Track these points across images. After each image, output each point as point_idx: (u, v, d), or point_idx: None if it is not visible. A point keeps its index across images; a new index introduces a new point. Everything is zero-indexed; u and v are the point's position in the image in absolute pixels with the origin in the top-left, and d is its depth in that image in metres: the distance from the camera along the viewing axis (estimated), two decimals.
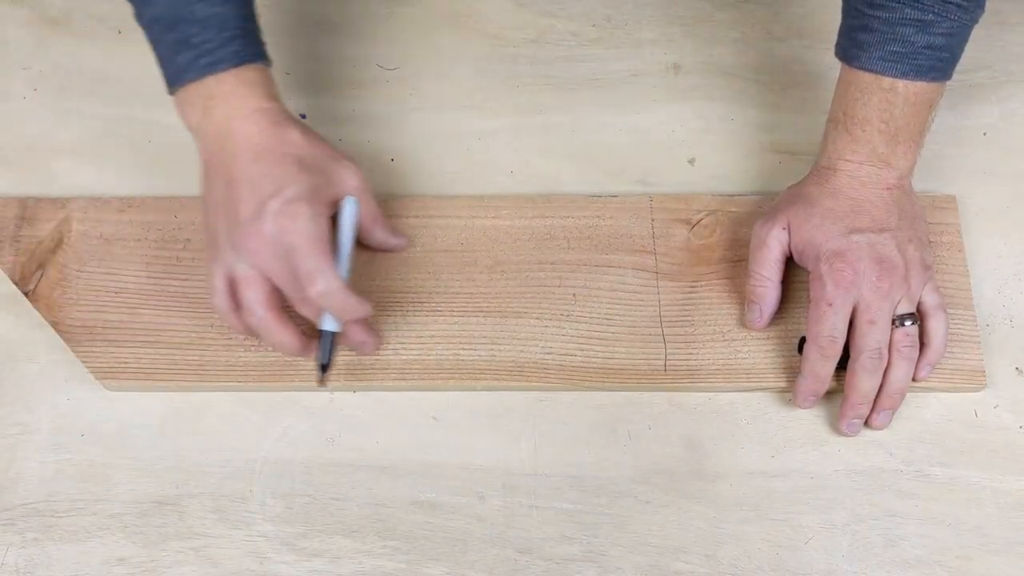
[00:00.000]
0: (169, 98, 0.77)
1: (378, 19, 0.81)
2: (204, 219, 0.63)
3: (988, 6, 0.81)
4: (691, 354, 0.66)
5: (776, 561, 0.61)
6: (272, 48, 0.74)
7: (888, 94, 0.62)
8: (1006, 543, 0.61)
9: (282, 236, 0.59)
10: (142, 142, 0.75)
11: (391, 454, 0.64)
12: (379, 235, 0.67)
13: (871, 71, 0.62)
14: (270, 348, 0.64)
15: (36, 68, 0.78)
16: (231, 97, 0.61)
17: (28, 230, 0.69)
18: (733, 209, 0.71)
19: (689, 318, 0.67)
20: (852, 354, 0.62)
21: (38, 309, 0.67)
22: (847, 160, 0.64)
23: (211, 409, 0.66)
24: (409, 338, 0.66)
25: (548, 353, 0.66)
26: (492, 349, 0.66)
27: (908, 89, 0.62)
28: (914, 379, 0.64)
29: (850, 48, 0.63)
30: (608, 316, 0.67)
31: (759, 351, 0.66)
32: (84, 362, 0.65)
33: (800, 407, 0.64)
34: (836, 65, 0.78)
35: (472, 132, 0.76)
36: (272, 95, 0.63)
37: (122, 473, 0.64)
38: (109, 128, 0.76)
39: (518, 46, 0.80)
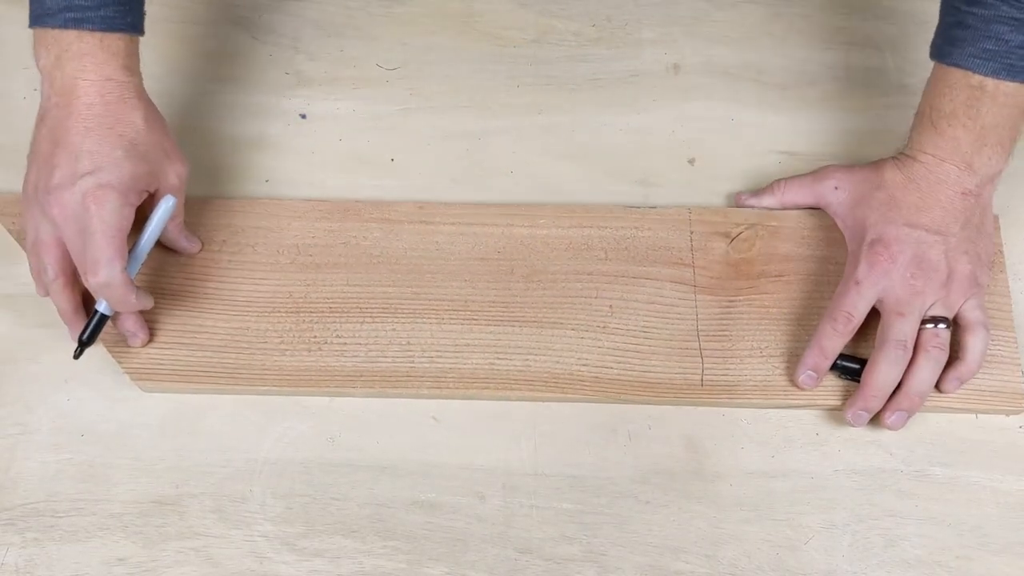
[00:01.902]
0: (169, 98, 0.77)
1: (378, 19, 0.81)
2: (28, 160, 0.64)
3: None
4: (728, 369, 0.65)
5: (776, 561, 0.61)
6: (272, 48, 0.74)
7: (976, 91, 0.61)
8: (1006, 543, 0.61)
9: (83, 217, 0.59)
10: None
11: (391, 454, 0.64)
12: (173, 232, 0.67)
13: (961, 67, 0.61)
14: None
15: (36, 68, 0.78)
16: (86, 58, 0.61)
17: None
18: (773, 223, 0.70)
19: (727, 333, 0.66)
20: (876, 344, 0.62)
21: None
22: (929, 154, 0.63)
23: (211, 409, 0.66)
24: (445, 346, 0.66)
25: (584, 365, 0.65)
26: (527, 359, 0.65)
27: (998, 89, 0.60)
28: (940, 389, 0.63)
29: (943, 45, 0.62)
30: (645, 329, 0.66)
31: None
32: (120, 363, 0.65)
33: (799, 383, 0.64)
34: (837, 66, 0.79)
35: (472, 132, 0.76)
36: (130, 68, 0.63)
37: (122, 473, 0.64)
38: None
39: (518, 46, 0.80)
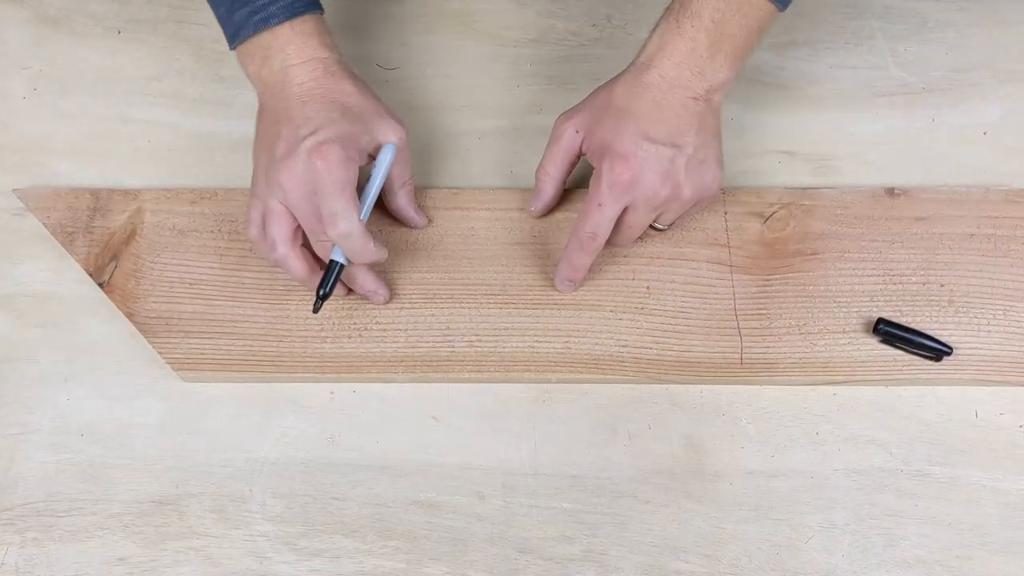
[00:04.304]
0: (168, 97, 0.77)
1: (378, 19, 0.81)
2: (253, 155, 0.65)
3: (988, 6, 0.81)
4: (768, 347, 0.66)
5: (776, 561, 0.61)
6: None
7: None
8: (1006, 543, 0.61)
9: (311, 175, 0.60)
10: (142, 142, 0.75)
11: (391, 454, 0.64)
12: (402, 200, 0.68)
13: None
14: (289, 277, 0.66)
15: (36, 68, 0.78)
16: (287, 47, 0.63)
17: (101, 221, 0.70)
18: (807, 202, 0.71)
19: (765, 311, 0.67)
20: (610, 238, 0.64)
21: (112, 300, 0.67)
22: (665, 57, 0.62)
23: (211, 409, 0.66)
24: (484, 330, 0.66)
25: (624, 346, 0.66)
26: (567, 342, 0.66)
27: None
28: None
29: None
30: (683, 309, 0.67)
31: (836, 344, 0.66)
32: (161, 353, 0.66)
33: (559, 288, 0.66)
34: (836, 65, 0.78)
35: (472, 132, 0.76)
36: (328, 44, 0.64)
37: (122, 473, 0.64)
38: (109, 128, 0.76)
39: (518, 46, 0.80)
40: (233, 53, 0.65)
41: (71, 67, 0.78)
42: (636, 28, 0.81)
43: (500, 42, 0.80)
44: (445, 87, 0.78)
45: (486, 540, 0.62)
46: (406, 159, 0.66)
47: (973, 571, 0.60)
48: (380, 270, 0.68)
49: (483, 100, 0.77)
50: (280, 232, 0.62)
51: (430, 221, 0.70)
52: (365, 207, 0.64)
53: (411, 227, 0.69)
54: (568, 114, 0.66)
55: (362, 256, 0.62)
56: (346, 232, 0.60)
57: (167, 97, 0.77)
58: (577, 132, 0.65)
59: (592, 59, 0.79)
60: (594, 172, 0.63)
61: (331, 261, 0.63)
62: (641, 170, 0.61)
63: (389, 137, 0.65)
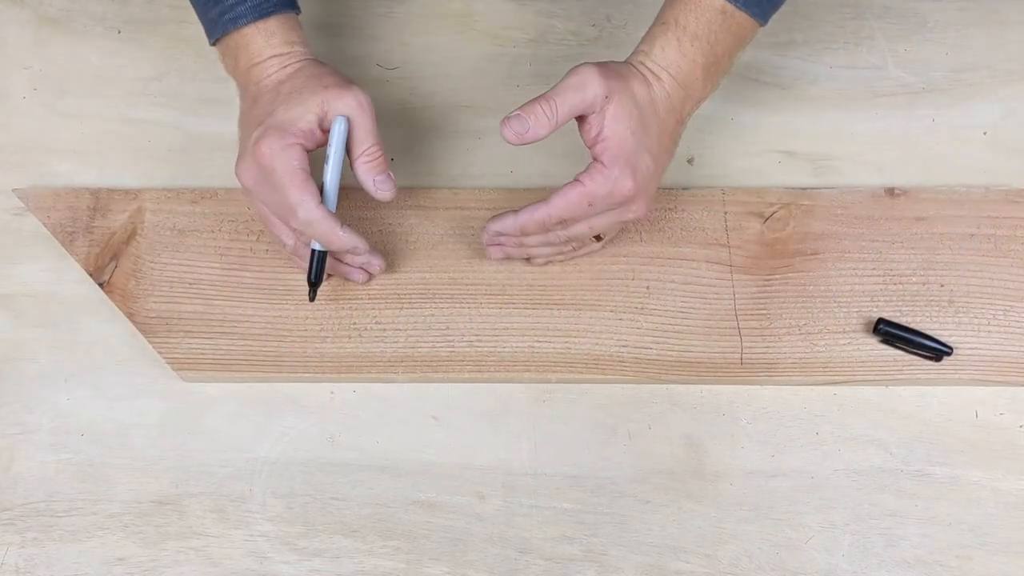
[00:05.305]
0: (168, 97, 0.77)
1: (378, 19, 0.81)
2: None
3: (988, 6, 0.81)
4: (768, 348, 0.66)
5: (776, 561, 0.61)
6: None
7: (720, 16, 0.60)
8: (1006, 543, 0.61)
9: (260, 171, 0.60)
10: (142, 142, 0.75)
11: (391, 454, 0.64)
12: (359, 172, 0.62)
13: None
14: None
15: (36, 68, 0.78)
16: (251, 47, 0.63)
17: (101, 221, 0.70)
18: (807, 202, 0.71)
19: (765, 311, 0.67)
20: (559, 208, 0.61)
21: (112, 300, 0.67)
22: (671, 75, 0.61)
23: (211, 409, 0.66)
24: (484, 330, 0.66)
25: (624, 346, 0.66)
26: (567, 342, 0.66)
27: (734, 18, 0.61)
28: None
29: None
30: (683, 309, 0.67)
31: (836, 344, 0.66)
32: (161, 353, 0.66)
33: (487, 253, 0.66)
34: (836, 65, 0.78)
35: (472, 132, 0.76)
36: (290, 41, 0.63)
37: (122, 473, 0.64)
38: (109, 128, 0.76)
39: (518, 46, 0.80)
40: (202, 51, 0.65)
41: (71, 67, 0.78)
42: (635, 28, 0.81)
43: (500, 42, 0.80)
44: (445, 87, 0.78)
45: (486, 540, 0.62)
46: (365, 125, 0.61)
47: (973, 571, 0.60)
48: (380, 270, 0.68)
49: (483, 100, 0.77)
50: (276, 231, 0.63)
51: (395, 194, 0.62)
52: (328, 191, 0.62)
53: (379, 199, 0.62)
54: (599, 71, 0.59)
55: (331, 243, 0.61)
56: (306, 220, 0.59)
57: (167, 97, 0.77)
58: (607, 98, 0.59)
59: (591, 59, 0.78)
60: (594, 167, 0.60)
61: (312, 251, 0.63)
62: (636, 193, 0.60)
63: (340, 107, 0.60)
